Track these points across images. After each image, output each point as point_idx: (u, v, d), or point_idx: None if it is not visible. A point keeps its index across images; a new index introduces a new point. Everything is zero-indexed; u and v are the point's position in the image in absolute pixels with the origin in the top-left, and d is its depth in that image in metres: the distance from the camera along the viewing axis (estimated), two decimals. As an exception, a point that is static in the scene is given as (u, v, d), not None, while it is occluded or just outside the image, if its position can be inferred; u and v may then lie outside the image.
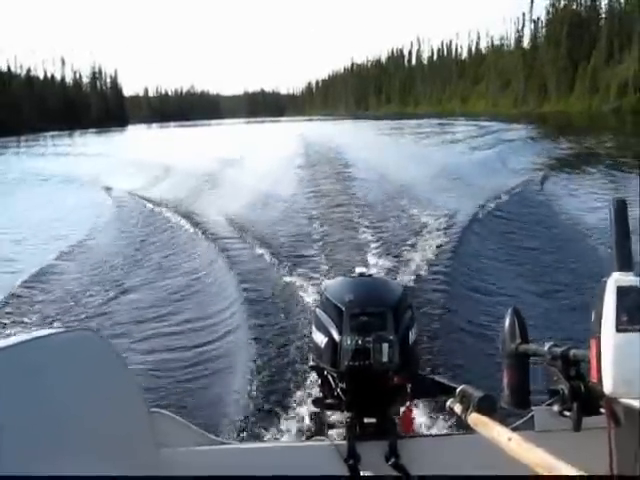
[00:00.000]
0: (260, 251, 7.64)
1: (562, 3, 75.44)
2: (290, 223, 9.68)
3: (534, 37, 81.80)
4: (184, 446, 1.42)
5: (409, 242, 7.74)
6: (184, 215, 10.40)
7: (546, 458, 0.94)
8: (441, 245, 7.41)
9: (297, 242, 8.30)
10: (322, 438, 1.47)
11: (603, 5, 71.70)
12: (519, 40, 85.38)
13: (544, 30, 78.96)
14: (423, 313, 4.80)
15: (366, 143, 26.33)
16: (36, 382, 1.05)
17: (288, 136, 34.37)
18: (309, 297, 5.52)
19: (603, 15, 71.53)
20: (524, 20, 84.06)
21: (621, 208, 1.12)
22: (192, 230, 9.30)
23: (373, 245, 7.77)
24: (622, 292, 1.05)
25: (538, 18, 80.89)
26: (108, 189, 14.98)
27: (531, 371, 1.30)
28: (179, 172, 17.58)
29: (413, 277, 6.12)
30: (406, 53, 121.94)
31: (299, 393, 3.69)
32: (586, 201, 11.01)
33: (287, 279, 6.40)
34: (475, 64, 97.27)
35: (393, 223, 9.19)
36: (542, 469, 0.92)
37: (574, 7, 74.54)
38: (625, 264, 1.09)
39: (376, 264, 6.72)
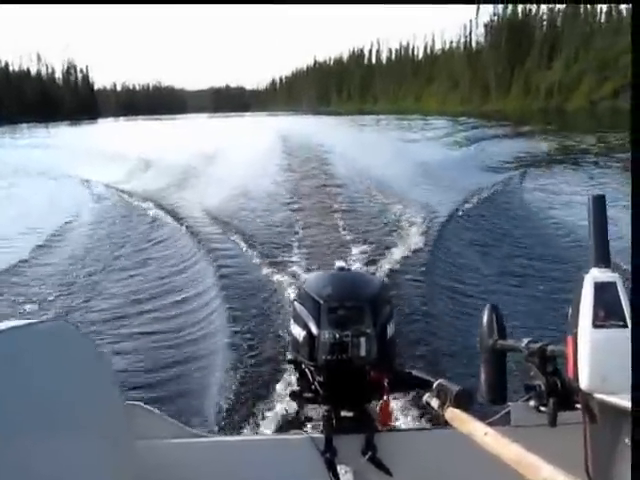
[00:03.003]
0: (241, 244, 7.40)
1: (507, 12, 76.85)
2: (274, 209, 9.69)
3: (478, 41, 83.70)
4: (160, 438, 1.35)
5: (387, 232, 7.67)
6: (159, 205, 10.14)
7: (522, 453, 0.89)
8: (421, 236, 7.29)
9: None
10: (299, 431, 1.40)
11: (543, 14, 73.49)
12: (467, 44, 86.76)
13: (488, 35, 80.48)
14: (401, 308, 4.66)
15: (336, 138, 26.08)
16: (11, 372, 0.96)
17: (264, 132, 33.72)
18: (289, 290, 5.33)
19: (544, 22, 73.21)
20: (471, 25, 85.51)
21: (599, 204, 1.07)
22: (169, 221, 9.03)
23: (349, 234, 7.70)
24: (599, 288, 1.01)
25: (486, 24, 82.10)
26: (85, 180, 14.43)
27: (508, 367, 1.24)
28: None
29: (391, 271, 5.92)
30: (366, 53, 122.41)
31: (277, 386, 3.57)
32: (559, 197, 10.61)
33: (266, 272, 6.19)
34: (429, 65, 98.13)
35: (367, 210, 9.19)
36: (517, 464, 0.88)
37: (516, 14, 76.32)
38: (602, 260, 1.04)
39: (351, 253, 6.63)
